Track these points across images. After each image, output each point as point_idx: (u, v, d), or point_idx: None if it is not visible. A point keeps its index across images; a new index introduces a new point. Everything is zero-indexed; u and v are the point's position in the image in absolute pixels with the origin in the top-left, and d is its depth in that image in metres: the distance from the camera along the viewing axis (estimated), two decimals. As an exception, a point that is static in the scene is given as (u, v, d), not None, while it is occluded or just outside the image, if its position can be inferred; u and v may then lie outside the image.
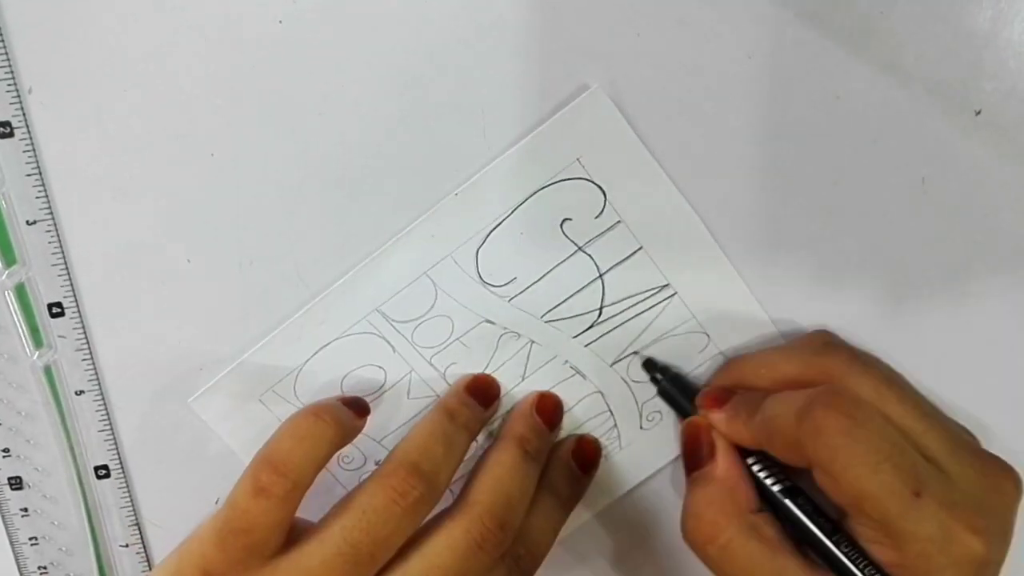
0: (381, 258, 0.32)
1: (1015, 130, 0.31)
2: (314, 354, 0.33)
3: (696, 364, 0.34)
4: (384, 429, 0.34)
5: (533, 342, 0.33)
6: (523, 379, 0.34)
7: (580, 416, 0.35)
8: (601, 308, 0.33)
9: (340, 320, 0.32)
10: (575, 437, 0.35)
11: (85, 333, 0.32)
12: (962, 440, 0.30)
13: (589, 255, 0.32)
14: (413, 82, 0.30)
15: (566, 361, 0.34)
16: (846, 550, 0.28)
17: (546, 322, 0.33)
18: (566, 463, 0.34)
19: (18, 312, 0.32)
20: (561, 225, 0.32)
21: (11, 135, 0.30)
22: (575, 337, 0.33)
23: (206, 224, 0.31)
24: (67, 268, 0.31)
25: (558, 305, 0.33)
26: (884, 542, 0.27)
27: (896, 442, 0.27)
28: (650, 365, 0.34)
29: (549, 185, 0.31)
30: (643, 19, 0.30)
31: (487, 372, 0.34)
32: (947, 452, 0.28)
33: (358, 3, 0.30)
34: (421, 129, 0.31)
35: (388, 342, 0.33)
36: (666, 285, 0.33)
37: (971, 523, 0.27)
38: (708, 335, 0.33)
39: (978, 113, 0.31)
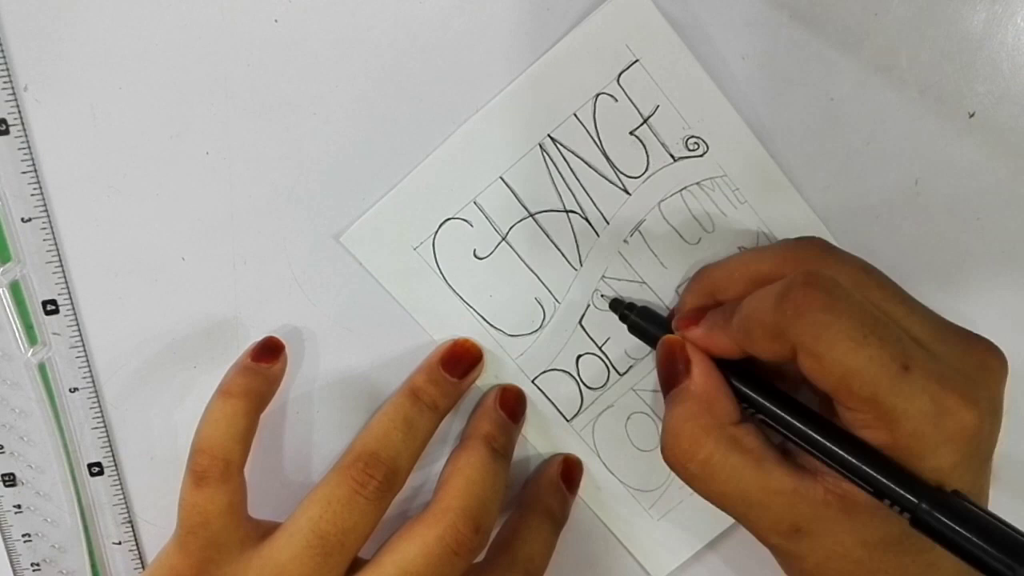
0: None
1: (1008, 132, 0.31)
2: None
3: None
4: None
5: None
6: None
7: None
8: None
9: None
10: (560, 457, 0.35)
11: (79, 330, 0.32)
12: (945, 321, 0.28)
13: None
14: (408, 82, 0.30)
15: None
16: (836, 440, 0.27)
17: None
18: (556, 485, 0.34)
19: (12, 309, 0.32)
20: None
21: (6, 132, 0.30)
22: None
23: (200, 222, 0.31)
24: (62, 265, 0.31)
25: None
26: (875, 425, 0.25)
27: (879, 317, 0.26)
28: (616, 304, 0.33)
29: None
30: (637, 20, 0.30)
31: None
32: (931, 332, 0.27)
33: (355, 3, 0.30)
34: (416, 129, 0.31)
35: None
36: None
37: (963, 394, 0.25)
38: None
39: (971, 115, 0.31)
